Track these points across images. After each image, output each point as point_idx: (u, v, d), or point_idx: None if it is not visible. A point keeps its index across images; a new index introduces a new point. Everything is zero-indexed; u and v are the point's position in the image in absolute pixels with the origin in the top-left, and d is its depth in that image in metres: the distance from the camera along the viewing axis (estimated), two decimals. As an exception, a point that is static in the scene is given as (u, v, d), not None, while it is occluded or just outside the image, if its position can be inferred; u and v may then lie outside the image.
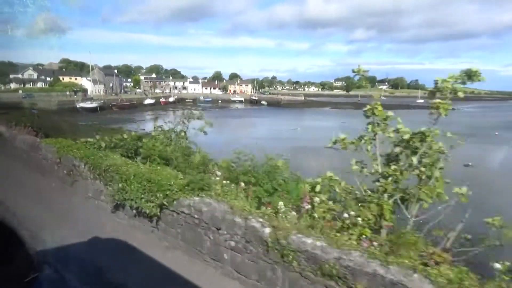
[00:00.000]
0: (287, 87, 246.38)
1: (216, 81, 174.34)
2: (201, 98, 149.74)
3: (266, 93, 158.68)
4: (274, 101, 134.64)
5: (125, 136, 9.64)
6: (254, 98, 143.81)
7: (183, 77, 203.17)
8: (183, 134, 10.49)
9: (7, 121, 16.06)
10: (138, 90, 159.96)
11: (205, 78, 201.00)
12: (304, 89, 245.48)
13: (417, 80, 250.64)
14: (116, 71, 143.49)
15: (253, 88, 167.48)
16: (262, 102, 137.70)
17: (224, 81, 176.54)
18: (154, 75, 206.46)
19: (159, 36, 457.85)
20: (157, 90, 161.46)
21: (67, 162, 8.86)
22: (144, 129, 61.76)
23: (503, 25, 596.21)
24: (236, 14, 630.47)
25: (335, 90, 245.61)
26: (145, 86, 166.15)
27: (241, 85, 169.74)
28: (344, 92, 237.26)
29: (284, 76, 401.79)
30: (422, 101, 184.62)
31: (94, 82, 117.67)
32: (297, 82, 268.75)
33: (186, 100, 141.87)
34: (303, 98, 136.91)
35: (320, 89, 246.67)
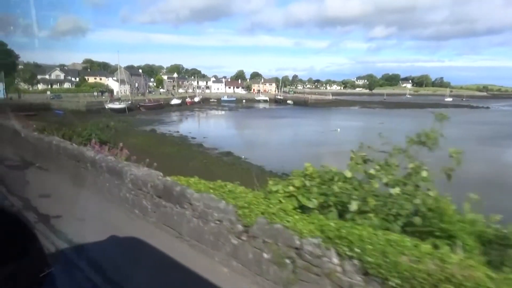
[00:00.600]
0: (308, 86, 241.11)
1: (240, 80, 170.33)
2: (225, 97, 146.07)
3: (290, 92, 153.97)
4: (300, 100, 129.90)
5: (316, 174, 5.24)
6: (279, 97, 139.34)
7: (204, 77, 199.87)
8: (425, 174, 5.94)
9: (86, 139, 11.95)
10: (161, 90, 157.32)
11: (225, 77, 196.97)
12: (326, 88, 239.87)
13: (442, 78, 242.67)
14: (140, 70, 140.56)
15: (277, 87, 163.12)
16: (288, 101, 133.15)
17: (248, 80, 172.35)
18: (176, 75, 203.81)
19: (178, 35, 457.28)
20: (180, 90, 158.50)
21: (272, 239, 4.58)
22: (178, 131, 57.30)
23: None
24: (254, 12, 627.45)
25: (357, 89, 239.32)
26: (168, 86, 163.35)
27: (264, 84, 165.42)
28: (367, 91, 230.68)
29: (301, 75, 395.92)
30: (450, 99, 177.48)
31: (121, 82, 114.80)
32: (318, 81, 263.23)
33: (210, 100, 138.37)
34: (331, 97, 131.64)
35: (342, 88, 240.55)
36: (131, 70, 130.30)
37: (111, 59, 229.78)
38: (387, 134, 5.10)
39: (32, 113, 74.17)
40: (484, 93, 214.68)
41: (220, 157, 40.01)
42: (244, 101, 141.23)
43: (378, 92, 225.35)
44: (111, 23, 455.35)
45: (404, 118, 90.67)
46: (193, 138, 53.49)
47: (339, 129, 64.26)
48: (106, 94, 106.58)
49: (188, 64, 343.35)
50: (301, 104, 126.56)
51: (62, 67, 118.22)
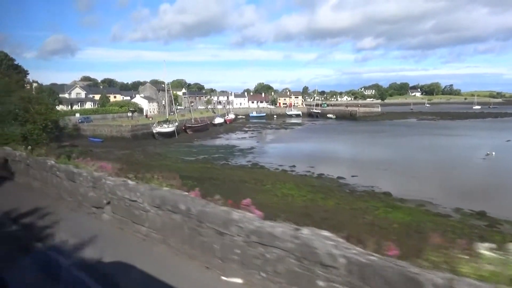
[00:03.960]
0: (317, 98, 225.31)
1: (263, 94, 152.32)
2: (253, 113, 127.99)
3: (324, 105, 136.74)
4: (344, 114, 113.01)
5: None
6: (316, 111, 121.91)
7: (212, 91, 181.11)
8: None
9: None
10: (179, 107, 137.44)
11: (223, 91, 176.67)
12: (336, 99, 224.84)
13: (451, 85, 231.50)
14: (165, 84, 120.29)
15: (303, 99, 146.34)
16: (329, 115, 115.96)
17: (273, 93, 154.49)
18: (184, 90, 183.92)
19: (169, 52, 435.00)
20: (200, 106, 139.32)
21: None
22: (294, 165, 38.42)
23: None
24: (246, 27, 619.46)
25: (368, 99, 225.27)
26: (185, 103, 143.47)
27: (290, 97, 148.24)
28: (378, 101, 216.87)
29: (288, 87, 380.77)
30: (479, 107, 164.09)
31: (149, 99, 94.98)
32: (323, 92, 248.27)
33: (238, 116, 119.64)
34: (379, 109, 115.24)
35: (352, 98, 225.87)
36: (156, 85, 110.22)
37: (101, 77, 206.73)
38: None
39: (67, 143, 54.21)
40: (500, 100, 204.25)
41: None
42: (275, 116, 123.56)
43: (390, 102, 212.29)
44: (101, 42, 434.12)
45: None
46: (341, 178, 35.15)
47: (493, 153, 47.03)
48: (136, 113, 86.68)
49: (174, 79, 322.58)
50: (346, 118, 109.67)
51: (85, 85, 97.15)
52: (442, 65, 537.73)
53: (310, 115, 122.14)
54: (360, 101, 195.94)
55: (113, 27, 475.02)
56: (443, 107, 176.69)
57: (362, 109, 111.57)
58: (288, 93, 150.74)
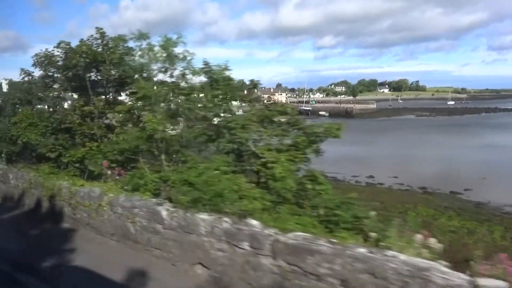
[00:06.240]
0: (288, 95, 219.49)
1: (245, 91, 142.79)
2: (240, 112, 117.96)
3: (312, 102, 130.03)
4: (339, 111, 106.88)
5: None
6: (306, 108, 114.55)
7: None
8: None
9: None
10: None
11: None
12: (309, 96, 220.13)
13: (417, 81, 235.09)
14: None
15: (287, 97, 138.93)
16: (321, 113, 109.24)
17: (256, 90, 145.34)
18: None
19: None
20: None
21: None
22: (371, 176, 29.40)
23: (461, 27, 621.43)
24: (209, 24, 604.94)
25: (339, 96, 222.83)
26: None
27: (274, 95, 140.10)
28: (350, 97, 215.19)
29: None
30: (453, 102, 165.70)
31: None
32: (293, 90, 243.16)
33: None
34: (375, 106, 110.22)
35: (324, 95, 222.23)
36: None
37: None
38: None
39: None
40: (465, 95, 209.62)
41: None
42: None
43: (362, 99, 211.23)
44: (56, 39, 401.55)
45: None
46: (457, 193, 27.87)
47: None
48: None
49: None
50: (341, 115, 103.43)
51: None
52: (396, 63, 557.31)
53: (299, 112, 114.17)
54: (358, 97, 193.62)
55: (69, 24, 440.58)
56: (418, 103, 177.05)
57: (358, 106, 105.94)
58: (271, 90, 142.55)
